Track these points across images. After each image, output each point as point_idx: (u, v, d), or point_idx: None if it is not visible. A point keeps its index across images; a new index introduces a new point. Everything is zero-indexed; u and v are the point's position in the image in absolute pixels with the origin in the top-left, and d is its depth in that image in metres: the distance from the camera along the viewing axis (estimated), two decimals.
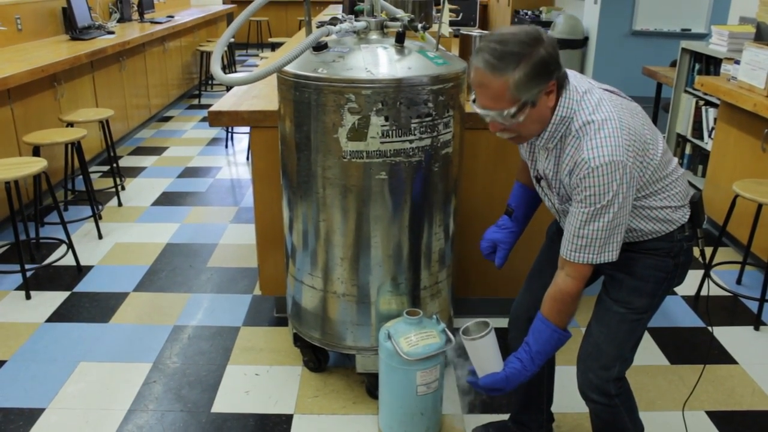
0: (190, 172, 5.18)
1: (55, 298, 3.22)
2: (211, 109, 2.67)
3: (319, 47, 2.14)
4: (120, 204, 4.44)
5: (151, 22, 6.88)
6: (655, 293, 1.77)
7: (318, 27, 2.11)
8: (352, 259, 2.26)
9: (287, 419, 2.41)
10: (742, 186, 3.07)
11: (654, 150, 1.63)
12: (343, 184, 2.16)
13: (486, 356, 1.77)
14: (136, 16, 7.14)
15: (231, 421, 2.40)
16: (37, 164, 3.28)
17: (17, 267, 3.37)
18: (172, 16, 7.53)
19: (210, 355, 2.78)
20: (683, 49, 4.91)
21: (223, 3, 10.55)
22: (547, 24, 7.78)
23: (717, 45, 4.42)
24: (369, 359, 2.40)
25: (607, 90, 1.68)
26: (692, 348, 2.87)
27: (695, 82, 4.23)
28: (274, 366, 2.71)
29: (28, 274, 3.38)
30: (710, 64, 4.64)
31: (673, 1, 6.97)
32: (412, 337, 2.15)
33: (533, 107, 1.57)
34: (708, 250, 3.40)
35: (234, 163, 5.48)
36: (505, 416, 2.29)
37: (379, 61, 2.10)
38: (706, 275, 3.28)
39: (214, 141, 6.08)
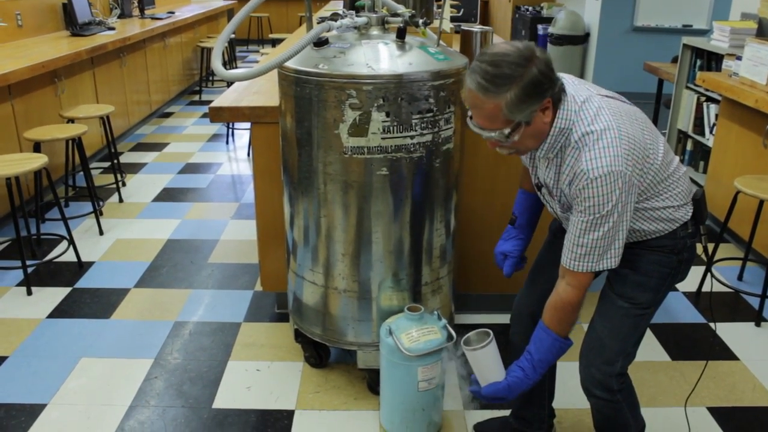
0: (190, 168, 5.18)
1: (56, 294, 3.22)
2: (212, 104, 2.67)
3: (320, 43, 2.13)
4: (121, 200, 4.44)
5: (152, 18, 6.88)
6: (658, 289, 1.77)
7: (319, 23, 2.11)
8: (353, 255, 2.26)
9: (288, 415, 2.41)
10: (744, 182, 3.07)
11: (654, 154, 1.63)
12: (344, 180, 2.16)
13: (488, 366, 1.79)
14: (136, 12, 7.13)
15: (232, 416, 2.40)
16: (38, 160, 3.28)
17: (18, 263, 3.37)
18: (173, 12, 7.53)
19: (211, 351, 2.78)
20: (685, 45, 4.90)
21: None
22: (548, 20, 7.76)
23: (718, 41, 4.41)
24: (370, 355, 2.40)
25: (606, 96, 1.67)
26: (693, 344, 2.87)
27: (697, 78, 4.22)
28: (276, 362, 2.71)
29: (29, 270, 3.38)
30: (712, 60, 4.63)
31: None
32: (414, 333, 2.15)
33: (528, 125, 1.59)
34: (709, 246, 3.40)
35: (235, 159, 5.48)
36: (507, 412, 2.29)
37: (380, 57, 2.09)
38: (708, 271, 3.27)
39: (214, 137, 6.08)
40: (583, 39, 7.29)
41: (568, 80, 1.69)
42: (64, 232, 3.67)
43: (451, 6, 4.41)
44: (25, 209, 3.71)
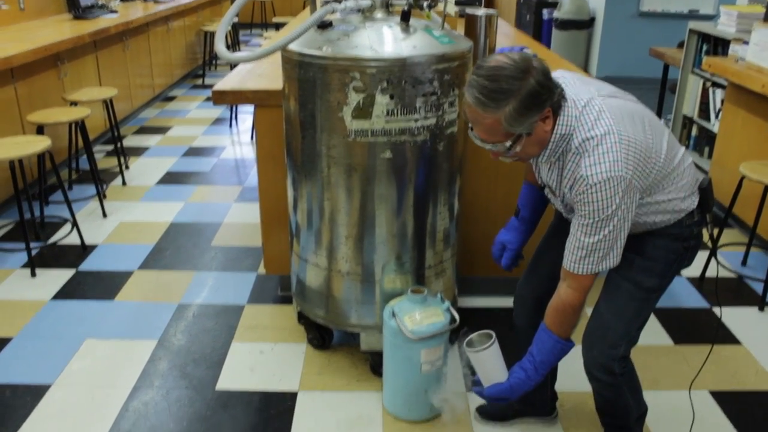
0: (194, 152, 5.17)
1: (61, 276, 3.23)
2: (216, 87, 2.66)
3: (324, 25, 2.12)
4: (124, 183, 4.45)
5: (155, 2, 6.83)
6: (664, 274, 1.78)
7: (323, 5, 2.09)
8: (356, 238, 2.26)
9: (292, 396, 2.42)
10: (749, 167, 3.06)
11: (657, 153, 1.62)
12: (348, 163, 2.15)
13: (490, 367, 1.82)
14: None
15: (236, 398, 2.42)
16: (42, 143, 3.28)
17: (22, 245, 3.38)
18: None
19: (215, 333, 2.80)
20: (691, 30, 4.86)
21: None
22: (553, 4, 7.70)
23: (725, 26, 4.38)
24: (373, 337, 2.41)
25: (608, 96, 1.66)
26: (696, 328, 2.87)
27: (703, 63, 4.20)
28: (279, 343, 2.72)
29: (33, 252, 3.40)
30: (718, 45, 4.60)
31: None
32: (417, 316, 2.16)
33: (529, 136, 1.59)
34: (714, 232, 3.40)
35: (238, 142, 5.47)
36: None
37: (384, 40, 2.08)
38: (712, 256, 3.27)
39: (218, 121, 6.07)
40: (588, 24, 7.23)
41: (568, 81, 1.68)
42: (67, 215, 3.68)
43: None
44: (29, 192, 3.72)
